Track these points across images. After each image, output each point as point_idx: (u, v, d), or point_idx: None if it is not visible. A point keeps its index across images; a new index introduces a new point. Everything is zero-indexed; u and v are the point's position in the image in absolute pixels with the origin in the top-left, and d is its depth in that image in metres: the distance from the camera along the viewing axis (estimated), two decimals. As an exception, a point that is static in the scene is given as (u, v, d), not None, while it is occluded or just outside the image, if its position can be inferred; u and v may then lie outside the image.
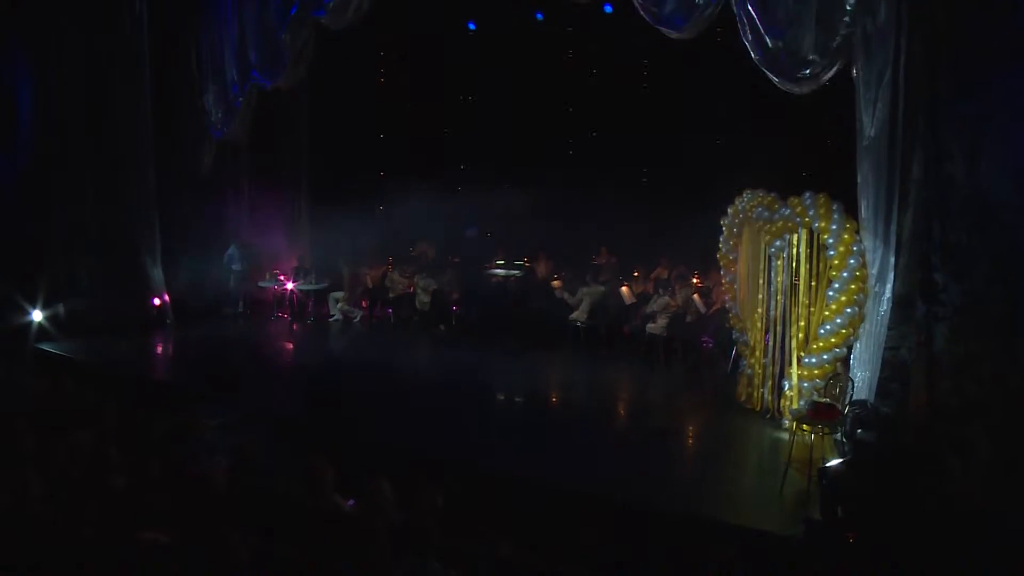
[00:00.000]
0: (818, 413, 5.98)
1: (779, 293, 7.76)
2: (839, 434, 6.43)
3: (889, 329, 5.98)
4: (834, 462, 5.46)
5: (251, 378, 9.16)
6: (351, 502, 5.39)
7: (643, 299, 11.29)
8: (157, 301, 12.43)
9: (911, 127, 5.99)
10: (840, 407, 6.20)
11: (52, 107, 11.38)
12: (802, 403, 7.30)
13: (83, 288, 11.78)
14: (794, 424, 6.44)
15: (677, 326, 10.36)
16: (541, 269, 13.38)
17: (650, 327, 10.46)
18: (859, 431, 6.44)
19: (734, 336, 8.71)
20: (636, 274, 12.34)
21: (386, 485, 5.01)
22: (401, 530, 4.79)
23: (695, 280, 11.20)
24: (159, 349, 11.44)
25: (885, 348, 5.98)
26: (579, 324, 11.30)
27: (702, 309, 10.22)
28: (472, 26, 14.10)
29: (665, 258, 12.37)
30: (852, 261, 6.87)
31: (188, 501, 4.75)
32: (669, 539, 5.71)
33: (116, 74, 11.91)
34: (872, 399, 6.53)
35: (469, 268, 13.17)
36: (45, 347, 10.78)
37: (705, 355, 10.47)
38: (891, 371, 5.81)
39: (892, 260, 6.67)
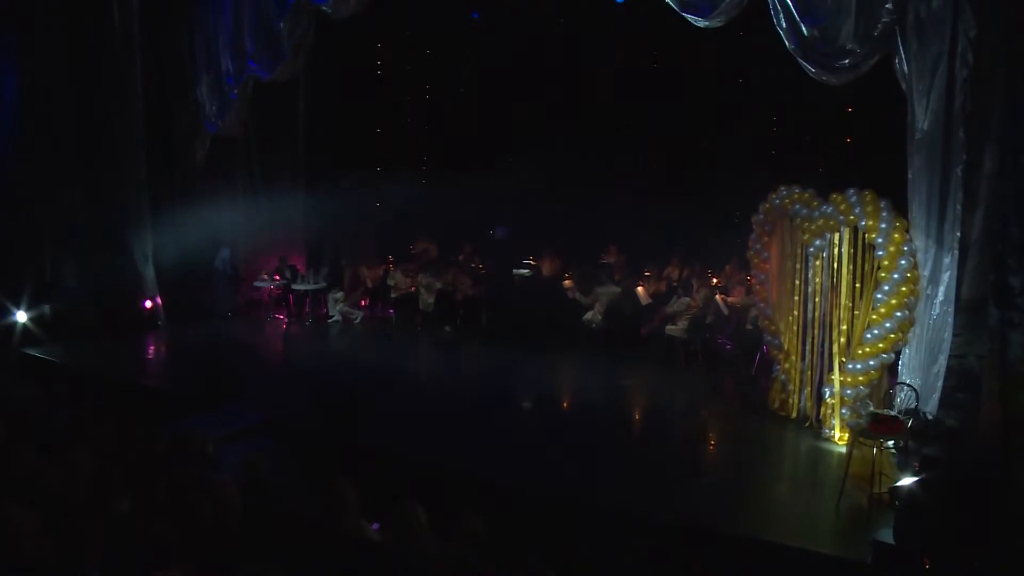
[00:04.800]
0: (879, 426, 5.56)
1: (817, 295, 7.35)
2: (893, 446, 6.01)
3: (955, 335, 5.57)
4: (907, 480, 5.04)
5: (253, 385, 8.64)
6: (375, 526, 4.94)
7: (657, 299, 10.89)
8: (149, 304, 11.89)
9: (980, 119, 5.57)
10: (901, 419, 5.78)
11: (38, 98, 10.80)
12: (845, 411, 6.91)
13: (71, 288, 11.22)
14: (851, 437, 6.00)
15: (698, 328, 9.96)
16: (547, 267, 12.96)
17: (670, 329, 10.05)
18: (910, 442, 6.05)
19: (765, 339, 8.29)
20: (647, 273, 11.94)
21: (419, 509, 4.54)
22: (438, 560, 4.36)
23: (713, 280, 10.81)
24: (152, 353, 10.88)
25: (950, 356, 5.57)
26: (594, 325, 10.85)
27: (724, 310, 9.82)
28: (476, 15, 13.62)
29: (677, 256, 12.02)
30: (903, 262, 6.46)
31: (200, 530, 4.28)
32: (722, 563, 5.30)
33: (105, 65, 11.34)
34: (927, 409, 6.15)
35: (500, 270, 12.64)
36: (32, 351, 10.22)
37: (726, 358, 10.08)
38: (957, 380, 5.40)
39: (946, 261, 6.29)
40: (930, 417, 6.03)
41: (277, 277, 13.03)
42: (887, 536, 4.90)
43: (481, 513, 4.78)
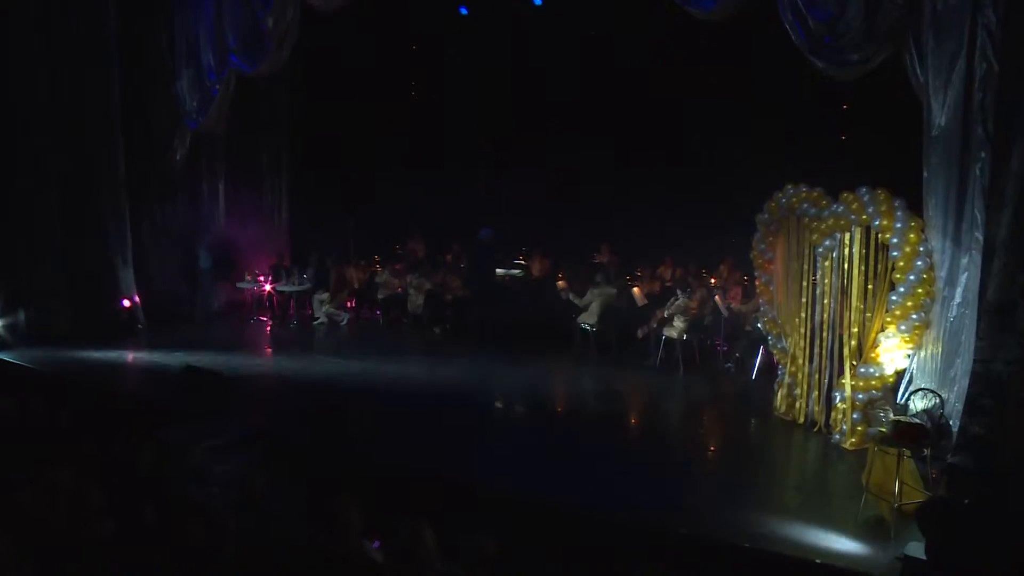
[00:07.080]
0: (904, 434, 5.34)
1: (826, 296, 7.14)
2: (913, 455, 5.80)
3: (979, 339, 5.37)
4: (939, 492, 4.83)
5: (238, 392, 8.28)
6: (376, 544, 4.64)
7: (653, 300, 10.65)
8: (127, 303, 11.47)
9: (1006, 115, 5.37)
10: (927, 427, 5.56)
11: (10, 95, 10.34)
12: (856, 416, 6.71)
13: (47, 290, 10.76)
14: (872, 445, 5.77)
15: (696, 330, 9.74)
16: (536, 268, 12.70)
17: (667, 331, 9.81)
18: (933, 450, 5.83)
19: (769, 342, 8.07)
20: (640, 273, 11.72)
21: (426, 528, 4.24)
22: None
23: (712, 280, 10.60)
24: (131, 359, 10.45)
25: (975, 361, 5.36)
26: (589, 327, 10.58)
27: (724, 312, 9.60)
28: (464, 11, 13.30)
29: (670, 257, 11.81)
30: (919, 263, 6.27)
31: (192, 553, 3.97)
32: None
33: (81, 59, 10.90)
34: (950, 416, 5.95)
35: (481, 271, 12.35)
36: (4, 357, 9.77)
37: (724, 360, 9.86)
38: (983, 386, 5.20)
39: (964, 261, 6.10)
40: (948, 423, 5.84)
41: (261, 278, 12.66)
42: (915, 551, 4.68)
43: (492, 531, 4.52)
